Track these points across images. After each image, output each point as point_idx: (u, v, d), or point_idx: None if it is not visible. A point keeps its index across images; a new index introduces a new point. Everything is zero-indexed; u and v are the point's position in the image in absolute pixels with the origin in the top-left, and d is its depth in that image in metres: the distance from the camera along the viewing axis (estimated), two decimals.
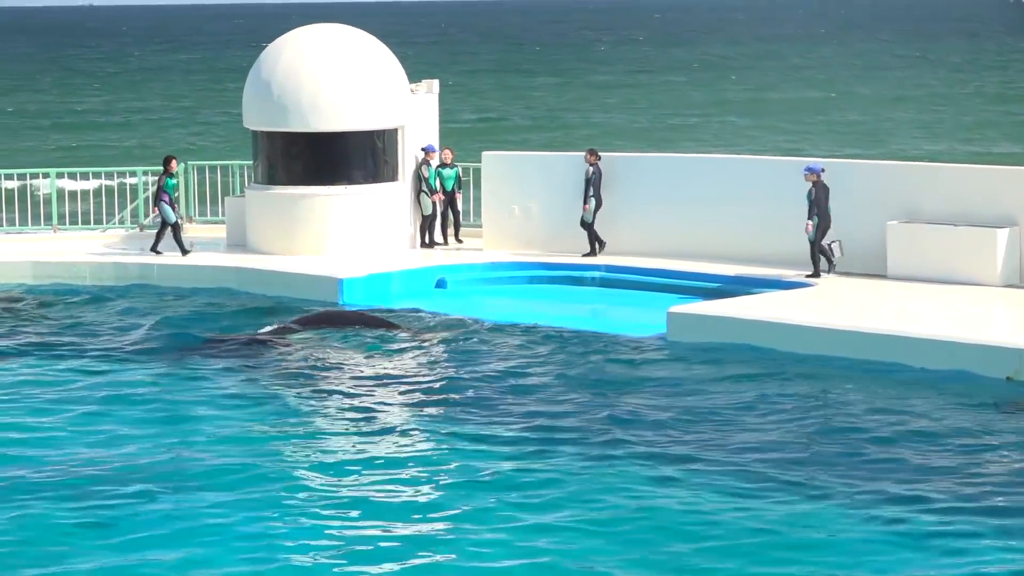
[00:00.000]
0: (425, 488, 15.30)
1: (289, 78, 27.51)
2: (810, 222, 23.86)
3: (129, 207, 30.21)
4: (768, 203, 25.42)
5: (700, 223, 26.12)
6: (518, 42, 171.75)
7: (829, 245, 24.15)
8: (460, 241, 28.22)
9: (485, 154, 28.35)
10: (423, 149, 27.96)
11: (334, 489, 15.22)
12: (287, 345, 21.71)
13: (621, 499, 14.74)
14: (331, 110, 27.38)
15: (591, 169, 26.45)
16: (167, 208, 27.03)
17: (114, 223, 30.08)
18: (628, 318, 23.27)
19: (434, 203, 27.84)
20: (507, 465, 15.86)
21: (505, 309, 23.92)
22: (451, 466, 15.96)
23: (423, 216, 27.97)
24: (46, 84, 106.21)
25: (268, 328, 22.65)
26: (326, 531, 13.99)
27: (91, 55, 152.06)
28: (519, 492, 14.96)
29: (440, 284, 25.91)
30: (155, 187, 27.67)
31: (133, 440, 17.04)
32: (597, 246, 26.51)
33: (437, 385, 19.55)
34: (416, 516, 14.46)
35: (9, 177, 30.63)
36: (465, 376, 19.91)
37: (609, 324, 22.76)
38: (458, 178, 28.30)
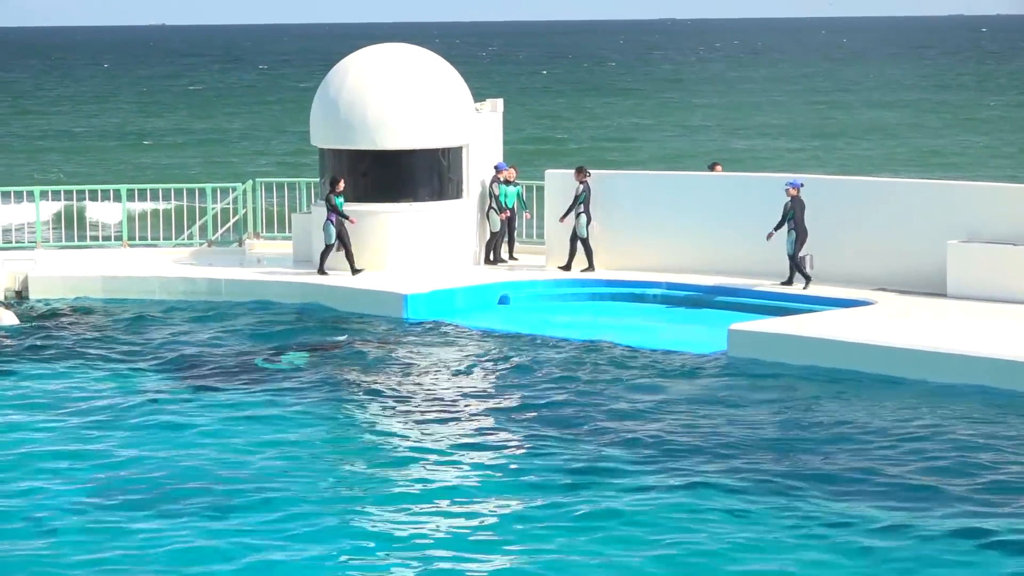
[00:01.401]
0: (474, 502, 15.44)
1: (356, 97, 27.86)
2: (774, 232, 24.74)
3: (198, 223, 30.63)
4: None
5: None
6: (586, 62, 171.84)
7: (802, 259, 24.45)
8: (515, 259, 28.52)
9: (548, 172, 28.60)
10: (495, 167, 28.28)
11: (384, 505, 15.39)
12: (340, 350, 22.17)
13: (679, 518, 14.83)
14: (397, 128, 27.70)
15: (581, 187, 26.98)
16: (330, 227, 26.84)
17: (183, 239, 30.53)
18: (689, 335, 23.43)
19: (501, 220, 28.15)
20: (566, 480, 15.99)
21: (567, 325, 24.15)
22: (507, 477, 16.12)
23: (491, 233, 28.28)
24: (118, 102, 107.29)
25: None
26: (380, 550, 14.10)
27: (163, 73, 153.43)
28: (576, 508, 15.05)
29: (503, 300, 26.15)
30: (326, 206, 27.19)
31: (185, 453, 17.32)
32: (586, 262, 27.03)
33: (496, 399, 19.74)
34: (463, 528, 14.63)
35: (80, 194, 31.13)
36: (526, 392, 20.07)
37: (670, 341, 22.91)
38: (519, 196, 28.61)
